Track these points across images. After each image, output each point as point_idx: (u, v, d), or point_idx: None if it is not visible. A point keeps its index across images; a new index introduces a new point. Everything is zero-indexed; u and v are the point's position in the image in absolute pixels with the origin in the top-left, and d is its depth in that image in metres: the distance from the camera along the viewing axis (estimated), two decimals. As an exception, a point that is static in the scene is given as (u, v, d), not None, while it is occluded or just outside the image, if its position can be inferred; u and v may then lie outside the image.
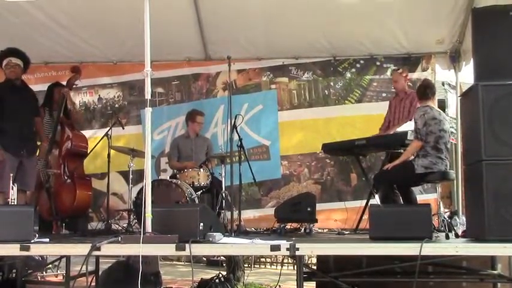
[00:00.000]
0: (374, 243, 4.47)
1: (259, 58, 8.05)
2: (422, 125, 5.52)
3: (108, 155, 6.64)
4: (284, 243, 4.32)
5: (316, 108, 8.05)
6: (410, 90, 6.85)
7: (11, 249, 4.46)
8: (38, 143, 6.54)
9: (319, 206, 6.79)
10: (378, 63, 7.93)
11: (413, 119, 5.77)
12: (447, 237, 5.13)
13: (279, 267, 9.10)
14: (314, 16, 6.90)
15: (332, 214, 7.63)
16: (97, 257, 5.68)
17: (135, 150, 6.63)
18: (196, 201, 6.55)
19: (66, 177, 6.61)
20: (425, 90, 5.81)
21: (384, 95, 7.77)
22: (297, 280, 4.53)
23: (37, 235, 4.67)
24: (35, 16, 6.80)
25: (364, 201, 6.49)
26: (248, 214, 7.66)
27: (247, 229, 6.60)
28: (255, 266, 9.84)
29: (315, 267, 5.59)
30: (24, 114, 6.20)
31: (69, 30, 7.21)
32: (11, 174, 5.42)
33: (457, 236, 5.34)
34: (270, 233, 6.54)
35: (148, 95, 4.70)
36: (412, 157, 5.64)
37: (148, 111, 4.67)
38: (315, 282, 5.36)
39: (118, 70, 8.22)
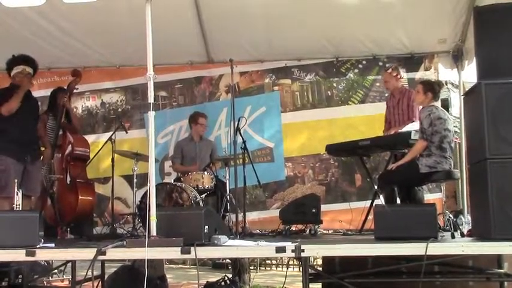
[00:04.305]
0: (379, 244, 4.46)
1: (262, 60, 8.06)
2: (428, 125, 5.51)
3: (112, 159, 6.65)
4: (289, 245, 4.32)
5: (319, 110, 8.05)
6: (405, 88, 6.83)
7: (17, 255, 4.47)
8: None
9: (323, 207, 6.80)
10: (381, 64, 7.92)
11: (418, 119, 5.76)
12: (453, 236, 5.12)
13: (285, 269, 9.10)
14: (316, 17, 6.90)
15: (337, 215, 7.62)
16: (102, 262, 5.69)
17: (138, 154, 6.64)
18: (201, 204, 6.56)
19: (68, 182, 6.60)
20: (439, 92, 5.84)
21: (386, 95, 7.72)
22: (302, 282, 4.52)
23: (42, 240, 4.68)
24: (37, 22, 6.81)
25: (369, 202, 6.48)
26: (253, 216, 7.67)
27: (252, 231, 6.59)
28: (261, 268, 9.84)
29: (320, 269, 5.57)
30: (28, 120, 6.23)
31: (71, 35, 7.22)
32: (16, 180, 5.43)
33: (462, 235, 5.33)
34: (275, 234, 6.54)
35: (151, 99, 4.70)
36: (417, 157, 5.63)
37: (151, 115, 4.68)
38: (321, 284, 5.36)
39: (121, 74, 8.24)
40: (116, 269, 6.07)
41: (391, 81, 6.86)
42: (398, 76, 6.90)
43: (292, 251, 4.29)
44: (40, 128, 6.53)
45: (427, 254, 4.17)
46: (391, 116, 6.86)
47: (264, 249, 4.53)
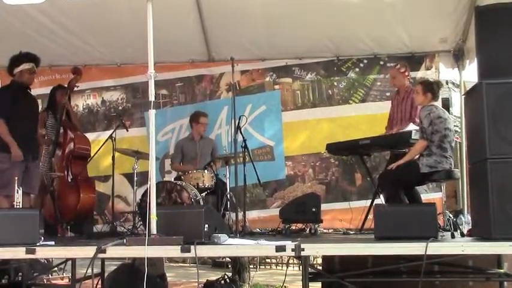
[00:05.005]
0: (379, 243, 4.46)
1: (263, 59, 8.05)
2: (428, 124, 5.51)
3: (113, 157, 6.65)
4: (289, 244, 4.33)
5: (320, 109, 8.04)
6: (411, 87, 6.80)
7: (17, 253, 4.48)
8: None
9: (324, 206, 6.79)
10: (382, 63, 7.91)
11: (418, 118, 5.76)
12: (453, 236, 5.12)
13: (285, 267, 9.10)
14: (317, 16, 6.90)
15: (337, 214, 7.61)
16: (102, 260, 5.69)
17: (139, 152, 6.64)
18: (201, 202, 6.56)
19: (69, 180, 6.62)
20: (438, 92, 5.84)
21: (387, 94, 7.74)
22: (302, 281, 4.52)
23: (42, 238, 4.69)
24: (39, 20, 6.82)
25: (369, 201, 6.47)
26: (253, 215, 7.67)
27: (252, 230, 6.60)
28: (261, 266, 9.84)
29: (320, 268, 5.58)
30: (30, 118, 6.25)
31: (72, 33, 7.22)
32: (16, 178, 5.43)
33: (462, 235, 5.33)
34: (275, 233, 6.54)
35: (152, 97, 4.70)
36: (417, 156, 5.63)
37: (152, 113, 4.68)
38: (320, 283, 5.36)
39: (121, 72, 8.23)
40: (116, 267, 6.07)
41: (397, 77, 6.85)
42: (406, 73, 6.87)
43: (292, 250, 4.29)
44: (38, 126, 6.55)
45: (427, 253, 4.18)
46: (394, 113, 6.85)
47: (264, 248, 4.53)
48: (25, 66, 6.16)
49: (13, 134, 5.96)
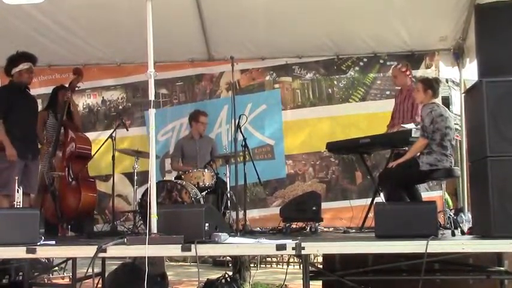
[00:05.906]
0: (380, 241, 4.46)
1: (262, 58, 8.05)
2: (430, 123, 5.50)
3: (113, 156, 6.65)
4: (290, 243, 4.32)
5: (320, 107, 8.04)
6: (413, 86, 6.79)
7: (17, 252, 4.48)
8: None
9: (324, 205, 6.78)
10: (381, 61, 7.91)
11: (419, 117, 5.76)
12: (453, 234, 5.12)
13: (286, 266, 9.10)
14: (317, 15, 6.89)
15: (337, 213, 7.61)
16: (103, 259, 5.69)
17: (139, 152, 6.64)
18: (202, 201, 6.56)
19: (70, 180, 6.62)
20: (438, 89, 5.84)
21: (387, 93, 7.75)
22: (303, 279, 4.52)
23: (43, 238, 4.69)
24: (38, 19, 6.81)
25: (370, 200, 6.47)
26: (253, 214, 7.66)
27: (253, 229, 6.60)
28: (261, 265, 9.85)
29: (321, 266, 5.58)
30: (29, 118, 6.26)
31: (72, 33, 7.21)
32: (16, 178, 5.44)
33: (463, 233, 5.33)
34: (275, 232, 6.54)
35: (152, 97, 4.70)
36: (417, 154, 5.62)
37: (152, 113, 4.68)
38: (321, 281, 5.36)
39: (121, 72, 8.23)
40: (116, 266, 6.08)
41: (399, 76, 6.87)
42: (408, 72, 6.87)
43: (293, 248, 4.28)
44: (38, 125, 6.54)
45: (427, 251, 4.17)
46: (396, 112, 6.86)
47: (265, 246, 4.53)
48: (24, 66, 6.16)
49: (12, 134, 5.97)
